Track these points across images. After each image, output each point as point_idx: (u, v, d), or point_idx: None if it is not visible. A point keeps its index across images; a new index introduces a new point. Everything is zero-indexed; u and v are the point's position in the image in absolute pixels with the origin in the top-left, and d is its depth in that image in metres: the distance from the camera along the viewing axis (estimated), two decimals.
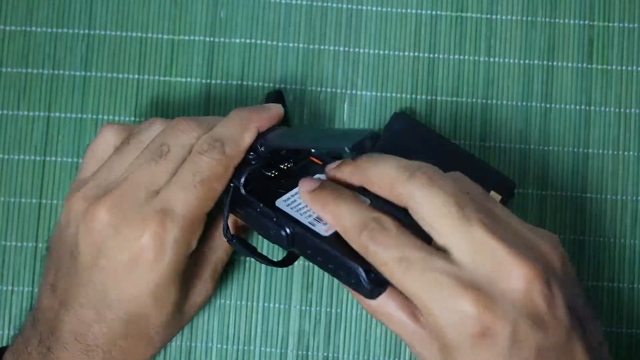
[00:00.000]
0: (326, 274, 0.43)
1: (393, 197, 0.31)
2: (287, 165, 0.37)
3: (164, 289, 0.34)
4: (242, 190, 0.35)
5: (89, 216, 0.33)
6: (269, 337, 0.43)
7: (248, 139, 0.35)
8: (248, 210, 0.35)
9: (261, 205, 0.34)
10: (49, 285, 0.35)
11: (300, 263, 0.43)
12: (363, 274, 0.31)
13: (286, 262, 0.39)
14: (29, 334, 0.35)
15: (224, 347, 0.43)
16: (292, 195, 0.35)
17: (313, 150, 0.38)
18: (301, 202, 0.34)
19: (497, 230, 0.29)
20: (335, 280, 0.43)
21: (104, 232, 0.33)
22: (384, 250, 0.30)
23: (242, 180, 0.35)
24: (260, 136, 0.36)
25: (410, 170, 0.31)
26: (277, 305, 0.43)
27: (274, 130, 0.36)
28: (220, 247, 0.38)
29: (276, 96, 0.43)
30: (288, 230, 0.33)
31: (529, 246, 0.30)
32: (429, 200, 0.30)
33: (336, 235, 0.32)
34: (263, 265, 0.43)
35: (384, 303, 0.32)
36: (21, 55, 0.45)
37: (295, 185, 0.35)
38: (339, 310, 0.43)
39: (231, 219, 0.38)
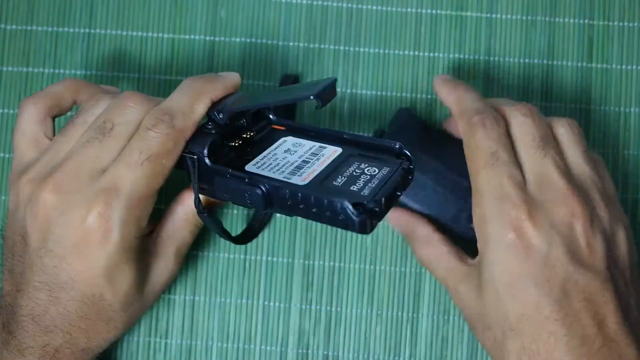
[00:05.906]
0: (326, 275, 0.43)
1: (497, 112, 0.36)
2: (249, 134, 0.36)
3: (116, 269, 0.33)
4: (207, 161, 0.33)
5: (34, 199, 0.33)
6: (269, 336, 0.43)
7: (200, 110, 0.34)
8: (217, 180, 0.33)
9: (230, 170, 0.32)
10: (7, 271, 0.35)
11: (300, 262, 0.43)
12: (349, 205, 0.29)
13: (245, 238, 0.39)
14: None
15: (224, 345, 0.43)
16: (261, 159, 0.34)
17: (273, 117, 0.36)
18: (272, 163, 0.33)
19: (564, 169, 0.34)
20: (336, 280, 0.43)
21: (50, 215, 0.32)
22: (485, 139, 0.35)
23: (206, 150, 0.33)
24: (215, 105, 0.34)
25: (512, 102, 0.37)
26: (277, 303, 0.43)
27: (229, 98, 0.35)
28: (183, 226, 0.37)
29: (293, 80, 0.43)
30: (263, 188, 0.31)
31: (584, 190, 0.34)
32: (524, 126, 0.35)
33: (314, 180, 0.32)
34: (263, 264, 0.43)
35: (437, 246, 0.38)
36: (22, 54, 0.45)
37: (261, 152, 0.34)
38: (339, 309, 0.43)
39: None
